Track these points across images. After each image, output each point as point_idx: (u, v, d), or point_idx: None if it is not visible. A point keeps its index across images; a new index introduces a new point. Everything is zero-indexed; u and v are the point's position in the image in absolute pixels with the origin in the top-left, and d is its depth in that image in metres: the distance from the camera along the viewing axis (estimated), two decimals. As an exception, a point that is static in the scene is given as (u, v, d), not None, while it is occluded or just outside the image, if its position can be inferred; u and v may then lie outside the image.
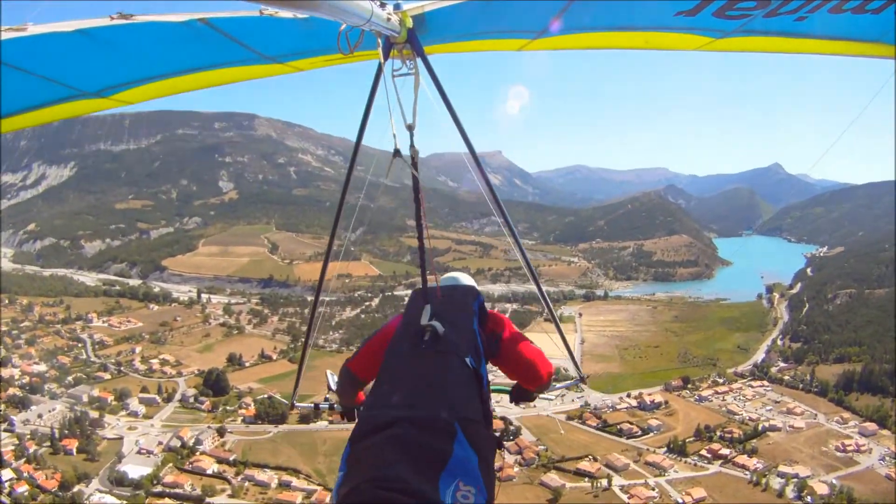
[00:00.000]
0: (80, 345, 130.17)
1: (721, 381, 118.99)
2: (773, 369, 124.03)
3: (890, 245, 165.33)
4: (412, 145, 3.33)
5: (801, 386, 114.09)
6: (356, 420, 3.10)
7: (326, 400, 4.59)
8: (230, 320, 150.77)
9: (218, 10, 2.58)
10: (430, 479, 2.15)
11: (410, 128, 3.32)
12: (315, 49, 3.26)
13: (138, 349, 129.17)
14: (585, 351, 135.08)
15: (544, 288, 4.41)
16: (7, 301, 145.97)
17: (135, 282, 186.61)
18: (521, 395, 3.87)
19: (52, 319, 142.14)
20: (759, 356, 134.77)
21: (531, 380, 3.48)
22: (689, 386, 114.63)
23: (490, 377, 3.20)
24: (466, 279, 3.77)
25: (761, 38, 2.96)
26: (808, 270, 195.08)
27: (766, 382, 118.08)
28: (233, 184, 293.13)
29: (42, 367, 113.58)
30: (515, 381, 3.68)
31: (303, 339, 5.70)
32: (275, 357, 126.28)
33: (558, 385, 4.53)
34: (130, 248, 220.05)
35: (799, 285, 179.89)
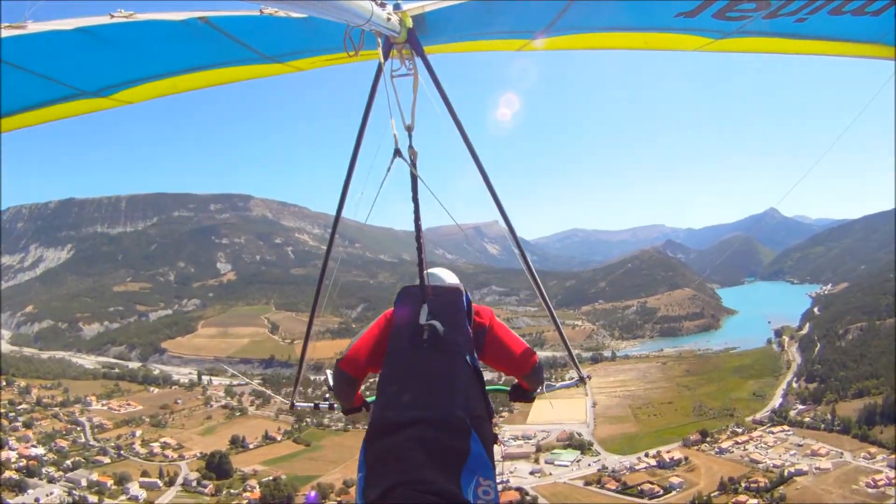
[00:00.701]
0: (78, 428, 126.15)
1: (740, 430, 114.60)
2: (792, 412, 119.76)
3: (892, 274, 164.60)
4: (410, 146, 3.38)
5: (822, 426, 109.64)
6: (368, 418, 3.05)
7: (326, 399, 4.50)
8: (232, 402, 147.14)
9: (218, 9, 2.60)
10: (454, 477, 2.27)
11: (409, 129, 3.37)
12: (315, 48, 3.25)
13: (138, 432, 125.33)
14: (598, 413, 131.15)
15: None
16: (5, 383, 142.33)
17: (134, 364, 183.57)
18: (519, 394, 3.94)
19: (50, 402, 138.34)
20: (776, 401, 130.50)
21: (516, 368, 3.52)
22: (708, 439, 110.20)
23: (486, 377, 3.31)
24: (451, 276, 3.79)
25: (761, 39, 2.98)
26: (815, 310, 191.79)
27: (786, 427, 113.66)
28: (230, 265, 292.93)
29: (40, 450, 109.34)
30: (514, 382, 3.76)
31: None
32: (279, 438, 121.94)
33: (558, 385, 4.54)
34: (129, 331, 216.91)
35: (808, 326, 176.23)
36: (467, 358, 2.92)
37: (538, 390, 3.83)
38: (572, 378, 5.14)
